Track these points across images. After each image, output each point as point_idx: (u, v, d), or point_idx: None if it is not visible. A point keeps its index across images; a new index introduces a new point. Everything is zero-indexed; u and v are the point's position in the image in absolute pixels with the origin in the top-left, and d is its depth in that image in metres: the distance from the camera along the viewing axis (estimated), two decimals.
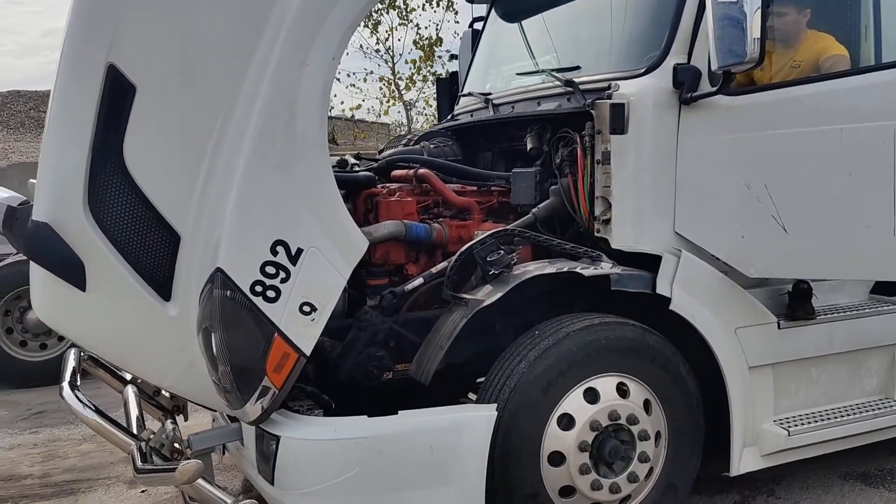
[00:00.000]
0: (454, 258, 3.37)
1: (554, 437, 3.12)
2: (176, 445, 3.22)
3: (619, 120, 3.32)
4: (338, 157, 3.65)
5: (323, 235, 2.67)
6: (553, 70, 3.93)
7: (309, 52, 2.61)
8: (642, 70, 3.41)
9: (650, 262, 3.36)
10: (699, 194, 3.36)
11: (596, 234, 3.45)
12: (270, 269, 2.62)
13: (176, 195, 2.73)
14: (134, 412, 3.44)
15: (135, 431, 3.25)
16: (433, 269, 3.48)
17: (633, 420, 3.21)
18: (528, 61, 4.50)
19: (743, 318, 3.42)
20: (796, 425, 3.52)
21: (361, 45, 14.90)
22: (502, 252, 3.31)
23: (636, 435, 3.23)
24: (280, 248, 2.62)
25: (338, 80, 15.18)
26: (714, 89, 3.20)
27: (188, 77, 2.66)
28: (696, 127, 3.34)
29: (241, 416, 2.88)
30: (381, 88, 15.07)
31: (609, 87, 3.43)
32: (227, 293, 2.61)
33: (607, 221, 3.40)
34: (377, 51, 14.96)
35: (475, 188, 4.05)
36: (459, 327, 3.15)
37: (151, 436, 3.20)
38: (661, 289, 3.28)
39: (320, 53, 2.62)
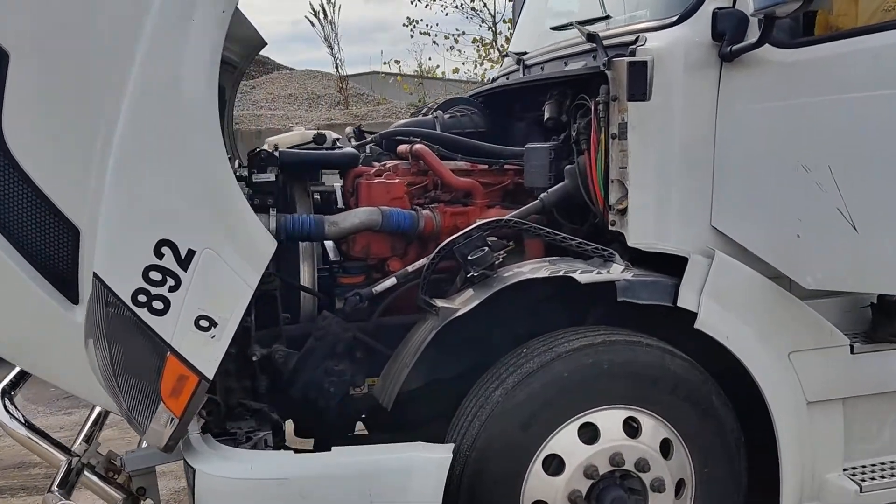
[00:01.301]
0: (432, 255, 2.78)
1: (538, 484, 2.49)
2: (113, 462, 2.86)
3: (639, 82, 2.59)
4: (314, 132, 3.12)
5: (219, 234, 2.16)
6: (581, 22, 3.20)
7: (195, 4, 2.07)
8: (673, 18, 2.65)
9: (680, 265, 2.64)
10: (743, 178, 2.59)
11: (610, 227, 2.75)
12: (156, 275, 2.13)
13: (68, 181, 2.27)
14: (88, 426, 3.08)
15: (71, 447, 2.89)
16: (409, 268, 2.90)
17: (643, 466, 2.53)
18: (569, 12, 3.78)
19: (800, 340, 2.63)
20: (873, 478, 2.71)
21: (460, 5, 14.16)
22: (486, 249, 2.68)
23: (648, 485, 2.55)
24: (166, 250, 2.12)
25: (435, 43, 14.59)
26: (758, 40, 2.41)
27: (68, 41, 2.19)
28: (740, 90, 2.56)
29: (148, 441, 2.44)
30: (477, 50, 14.30)
31: (636, 41, 2.70)
32: (106, 304, 2.15)
33: (623, 211, 2.70)
34: (473, 8, 14.20)
35: (486, 167, 3.41)
36: (426, 342, 2.57)
37: (85, 451, 2.84)
38: (685, 301, 2.56)
39: (208, 5, 2.08)
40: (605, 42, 2.85)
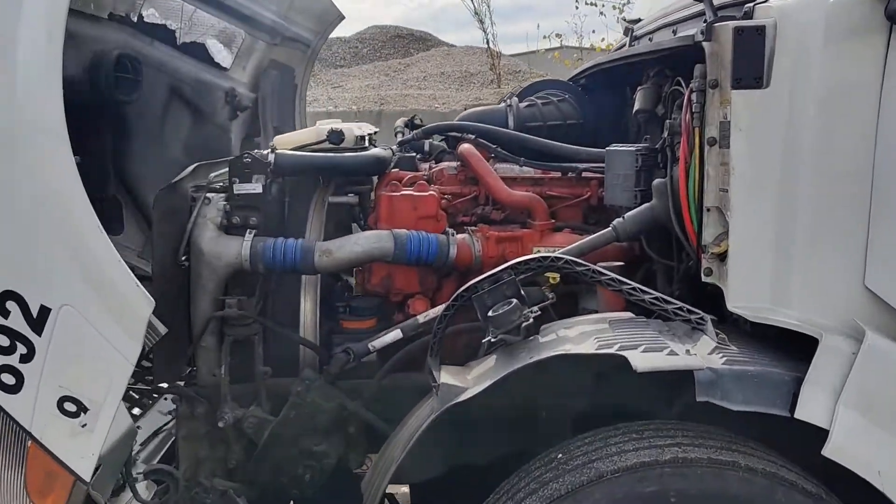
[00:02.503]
0: (447, 304, 2.01)
1: None
2: None
3: (751, 59, 1.67)
4: (329, 127, 2.43)
5: (80, 287, 1.53)
6: None
7: None
8: None
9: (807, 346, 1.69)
10: None
11: (704, 277, 1.85)
12: (2, 340, 1.55)
13: None
14: None
15: None
16: (420, 317, 2.16)
17: None
18: None
19: None
20: None
21: None
22: (513, 303, 1.87)
23: None
24: (12, 305, 1.54)
25: (602, 14, 13.35)
26: None
27: None
28: None
29: None
30: None
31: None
32: None
33: (722, 257, 1.78)
34: None
35: (559, 174, 2.57)
36: (420, 432, 1.83)
37: None
38: (809, 410, 1.60)
39: None
40: (717, 2, 1.92)
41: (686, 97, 1.86)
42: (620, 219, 2.13)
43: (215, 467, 2.23)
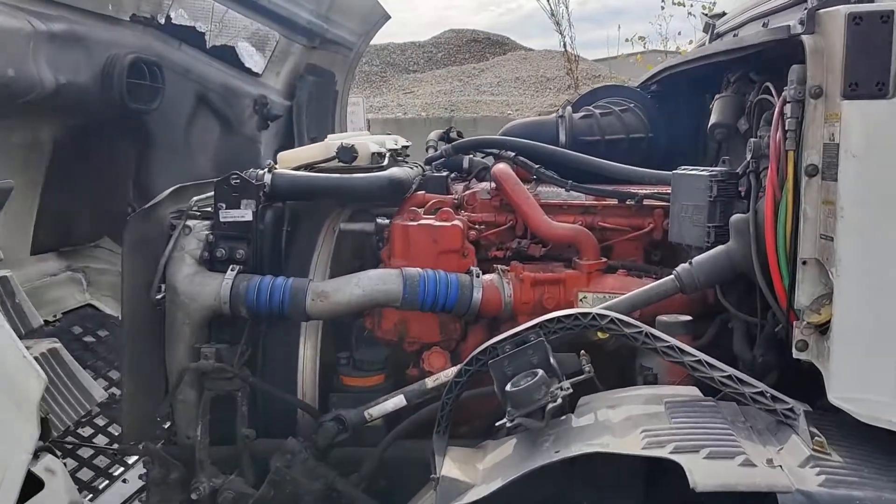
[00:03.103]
0: (460, 368, 1.59)
1: None
2: None
3: (871, 59, 1.20)
4: (341, 142, 2.04)
5: None
6: None
7: None
8: None
9: None
10: None
11: (796, 353, 1.37)
12: None
13: None
14: None
15: None
16: (429, 381, 1.74)
17: None
18: None
19: None
20: None
21: None
22: (538, 375, 1.44)
23: None
24: None
25: (691, 14, 12.66)
26: None
27: None
28: None
29: None
30: None
31: None
32: None
33: (823, 328, 1.31)
34: None
35: (615, 201, 2.11)
36: None
37: None
38: None
39: None
40: None
41: (777, 109, 1.39)
42: (686, 265, 1.66)
43: None
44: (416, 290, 1.82)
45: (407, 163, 2.36)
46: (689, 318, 1.76)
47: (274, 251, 1.98)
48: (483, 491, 1.36)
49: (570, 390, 1.44)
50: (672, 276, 1.67)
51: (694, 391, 1.50)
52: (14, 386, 1.29)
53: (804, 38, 1.30)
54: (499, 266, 1.96)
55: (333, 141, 2.12)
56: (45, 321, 2.97)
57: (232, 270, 1.84)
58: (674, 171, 1.89)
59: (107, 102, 2.91)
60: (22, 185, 2.92)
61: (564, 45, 11.73)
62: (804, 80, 1.31)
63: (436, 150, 2.51)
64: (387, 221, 2.08)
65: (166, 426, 1.96)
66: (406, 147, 2.42)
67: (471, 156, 2.51)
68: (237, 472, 1.86)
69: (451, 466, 1.47)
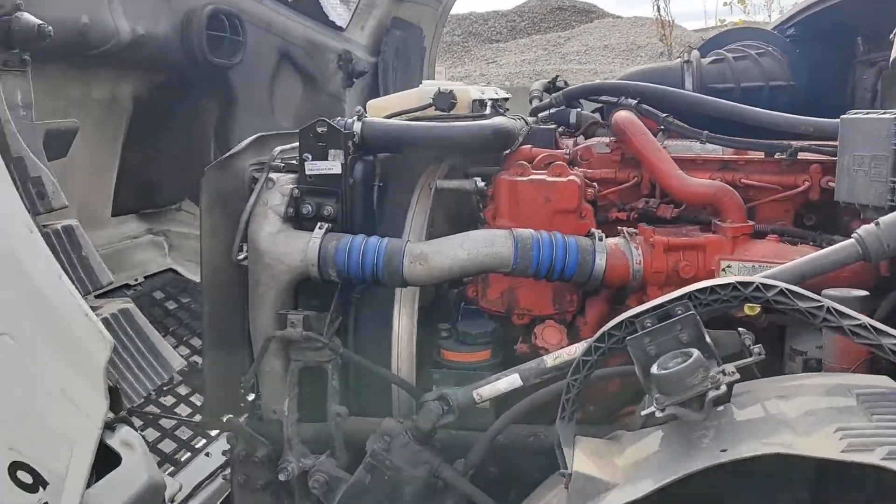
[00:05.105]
0: (589, 344, 1.33)
1: None
2: None
3: None
4: (438, 88, 1.79)
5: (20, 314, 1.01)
6: None
7: None
8: None
9: None
10: None
11: None
12: None
13: None
14: None
15: None
16: (547, 359, 1.48)
17: None
18: None
19: None
20: None
21: None
22: (694, 356, 1.16)
23: None
24: None
25: None
26: None
27: None
28: None
29: None
30: None
31: None
32: None
33: None
34: None
35: (762, 154, 1.80)
36: None
37: None
38: None
39: None
40: None
41: None
42: (872, 226, 1.35)
43: None
44: (528, 253, 1.56)
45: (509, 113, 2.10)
46: (864, 292, 1.45)
47: (366, 208, 1.76)
48: (631, 493, 1.11)
49: (737, 376, 1.16)
50: (852, 241, 1.36)
51: (887, 381, 1.21)
52: (76, 350, 1.11)
53: None
54: (625, 229, 1.68)
55: (429, 87, 1.87)
56: (127, 285, 2.87)
57: (320, 228, 1.63)
58: (842, 117, 1.57)
59: (187, 56, 2.77)
60: (102, 143, 2.82)
61: (658, 9, 11.17)
62: None
63: (540, 100, 2.23)
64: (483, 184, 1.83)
65: (250, 398, 1.77)
66: (506, 100, 2.16)
67: (578, 109, 2.24)
68: (328, 453, 1.66)
69: (583, 461, 1.22)
